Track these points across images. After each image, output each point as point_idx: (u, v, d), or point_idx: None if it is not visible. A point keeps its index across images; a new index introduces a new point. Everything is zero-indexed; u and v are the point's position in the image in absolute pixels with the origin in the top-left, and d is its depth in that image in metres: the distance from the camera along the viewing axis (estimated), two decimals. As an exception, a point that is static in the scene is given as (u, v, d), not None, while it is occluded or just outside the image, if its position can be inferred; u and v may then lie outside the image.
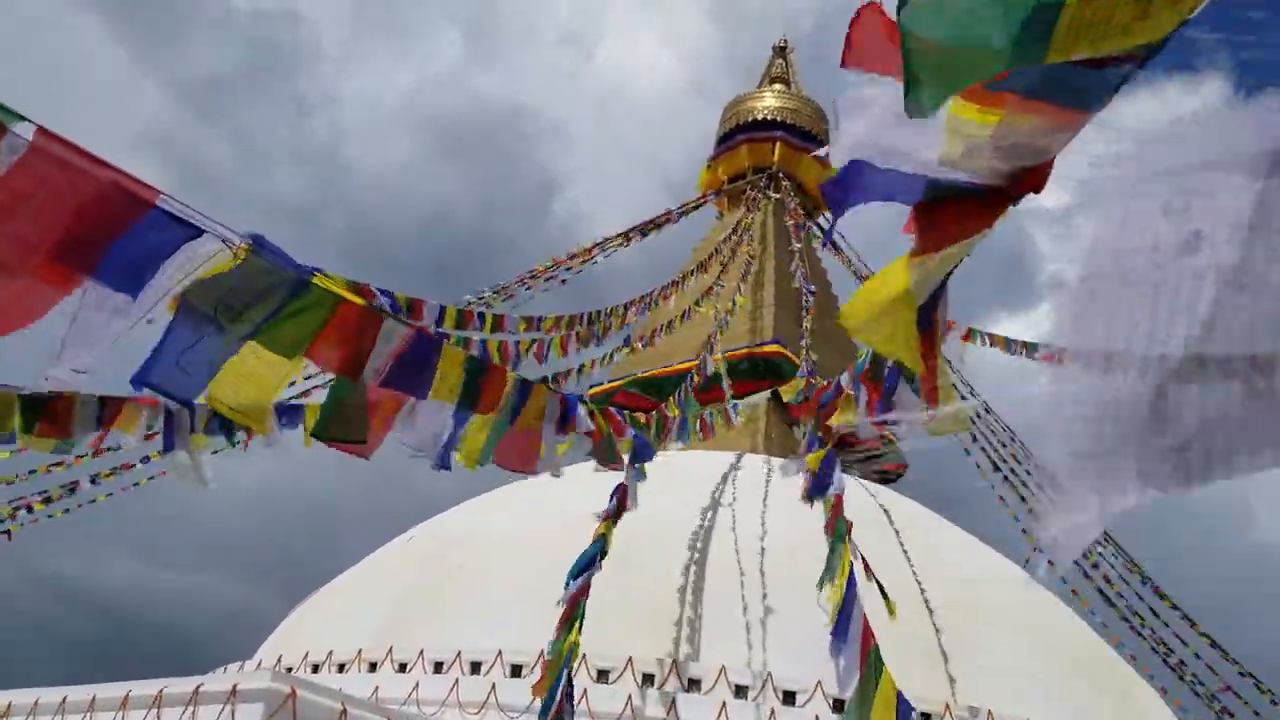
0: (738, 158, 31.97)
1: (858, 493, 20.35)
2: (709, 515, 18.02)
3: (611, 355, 22.47)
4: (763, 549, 16.96)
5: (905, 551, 17.77)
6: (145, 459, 15.84)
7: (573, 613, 10.04)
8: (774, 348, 25.93)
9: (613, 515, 11.00)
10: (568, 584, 10.26)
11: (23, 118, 3.80)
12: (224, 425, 7.83)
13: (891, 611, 14.10)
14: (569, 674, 9.79)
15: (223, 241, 4.38)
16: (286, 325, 4.77)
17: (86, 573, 56.81)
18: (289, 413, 8.35)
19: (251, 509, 59.10)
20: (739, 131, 32.24)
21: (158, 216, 4.16)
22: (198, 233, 4.32)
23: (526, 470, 6.90)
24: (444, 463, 6.60)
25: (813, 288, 26.13)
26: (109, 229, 4.07)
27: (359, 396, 5.43)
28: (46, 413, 7.20)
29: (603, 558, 10.46)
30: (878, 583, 13.87)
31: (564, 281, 24.44)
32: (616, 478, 11.64)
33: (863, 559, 14.21)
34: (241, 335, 4.72)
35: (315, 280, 4.80)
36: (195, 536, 58.45)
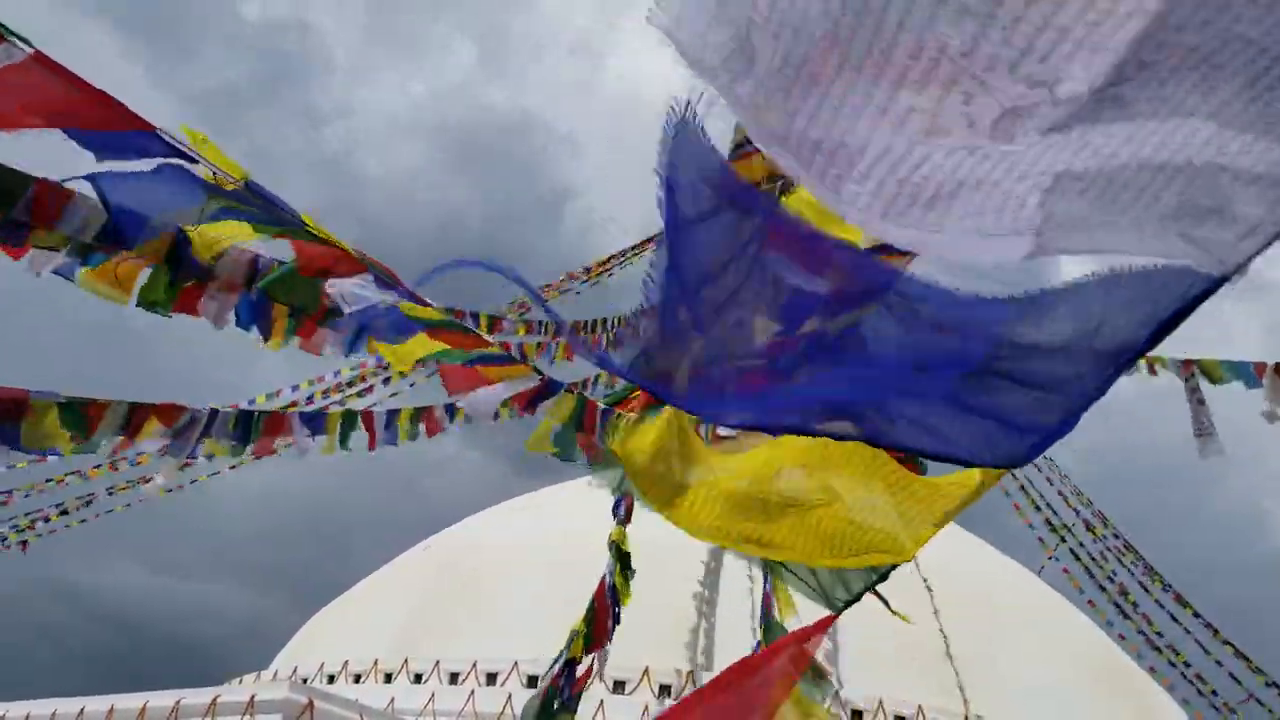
0: (752, 166, 31.95)
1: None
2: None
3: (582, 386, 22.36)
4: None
5: (916, 559, 17.68)
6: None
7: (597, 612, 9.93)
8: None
9: (622, 522, 10.95)
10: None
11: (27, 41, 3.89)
12: (240, 434, 7.83)
13: (905, 619, 14.04)
14: (567, 657, 9.71)
15: (214, 174, 4.37)
16: (272, 225, 4.75)
17: (99, 582, 57.02)
18: (311, 421, 8.36)
19: (262, 519, 59.28)
20: (750, 141, 32.24)
21: (153, 136, 4.15)
22: (192, 161, 4.31)
23: (467, 381, 6.68)
24: (353, 348, 6.36)
25: None
26: (102, 123, 4.06)
27: (313, 291, 5.33)
28: (80, 418, 7.21)
29: (623, 566, 10.38)
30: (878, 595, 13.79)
31: (578, 294, 24.42)
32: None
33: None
34: (212, 212, 4.64)
35: (309, 226, 4.79)
36: (206, 546, 58.65)
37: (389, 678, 15.80)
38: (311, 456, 8.33)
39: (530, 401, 7.17)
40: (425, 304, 5.50)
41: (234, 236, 4.81)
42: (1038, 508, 21.37)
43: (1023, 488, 21.93)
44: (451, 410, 9.25)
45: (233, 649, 58.54)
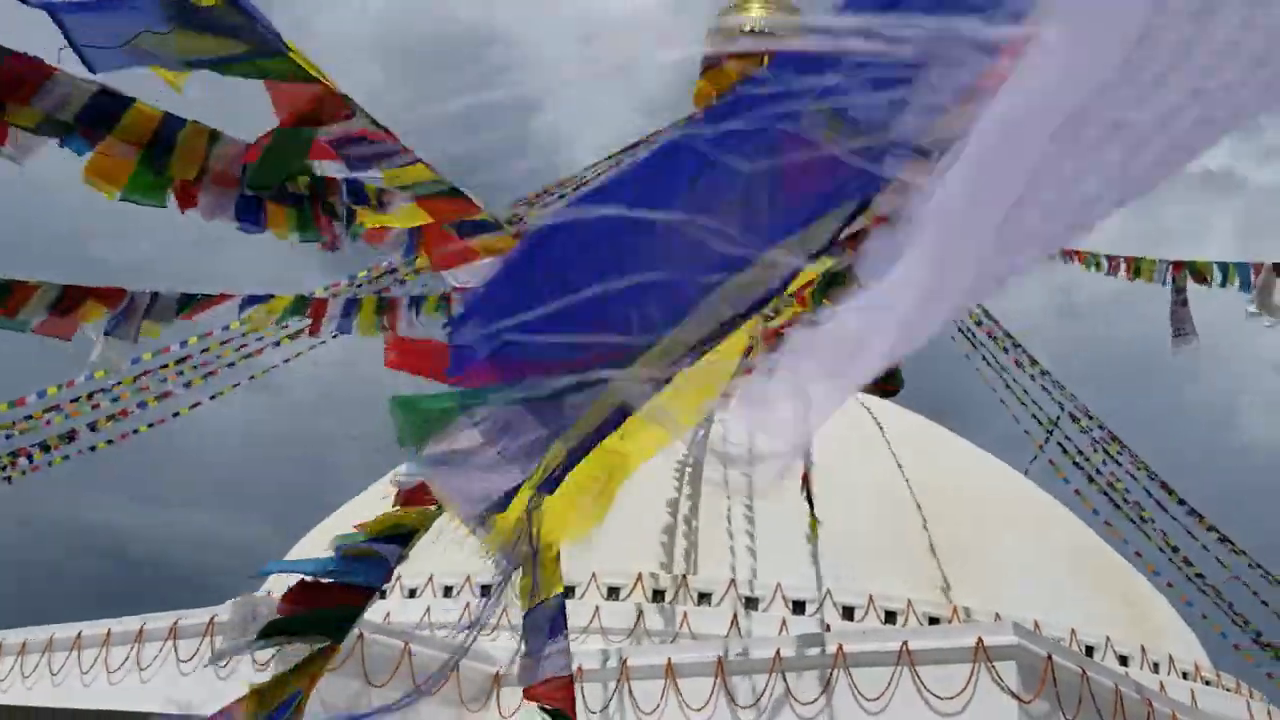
0: (725, 75, 31.54)
1: (851, 404, 20.42)
2: (698, 429, 18.01)
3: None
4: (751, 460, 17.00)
5: (899, 461, 17.85)
6: (141, 404, 15.84)
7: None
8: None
9: None
10: None
11: None
12: (178, 311, 7.72)
13: (813, 529, 14.20)
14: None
15: None
16: (248, 68, 4.54)
17: (87, 517, 57.08)
18: (252, 303, 8.28)
19: (244, 447, 59.23)
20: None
21: None
22: None
23: (457, 258, 6.59)
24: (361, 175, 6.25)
25: None
26: None
27: (297, 149, 5.17)
28: (4, 296, 7.04)
29: None
30: (808, 496, 13.92)
31: (548, 207, 24.27)
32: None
33: (805, 478, 14.25)
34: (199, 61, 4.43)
35: (292, 52, 4.58)
36: (191, 477, 58.66)
37: (383, 594, 15.87)
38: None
39: None
40: (417, 160, 5.35)
41: (209, 50, 4.51)
42: (1023, 403, 21.58)
43: (1008, 386, 22.11)
44: (418, 303, 9.14)
45: (225, 574, 58.87)
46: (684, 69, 34.41)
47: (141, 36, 4.34)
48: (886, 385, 26.79)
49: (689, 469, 16.93)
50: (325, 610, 5.15)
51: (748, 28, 31.42)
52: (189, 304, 7.67)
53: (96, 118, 4.76)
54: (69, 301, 7.17)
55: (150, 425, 16.86)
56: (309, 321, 9.28)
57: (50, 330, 7.31)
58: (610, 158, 27.30)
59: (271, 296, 8.57)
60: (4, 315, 7.06)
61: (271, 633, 5.15)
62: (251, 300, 8.28)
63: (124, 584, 53.81)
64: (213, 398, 17.23)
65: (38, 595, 48.32)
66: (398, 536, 5.53)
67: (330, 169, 5.19)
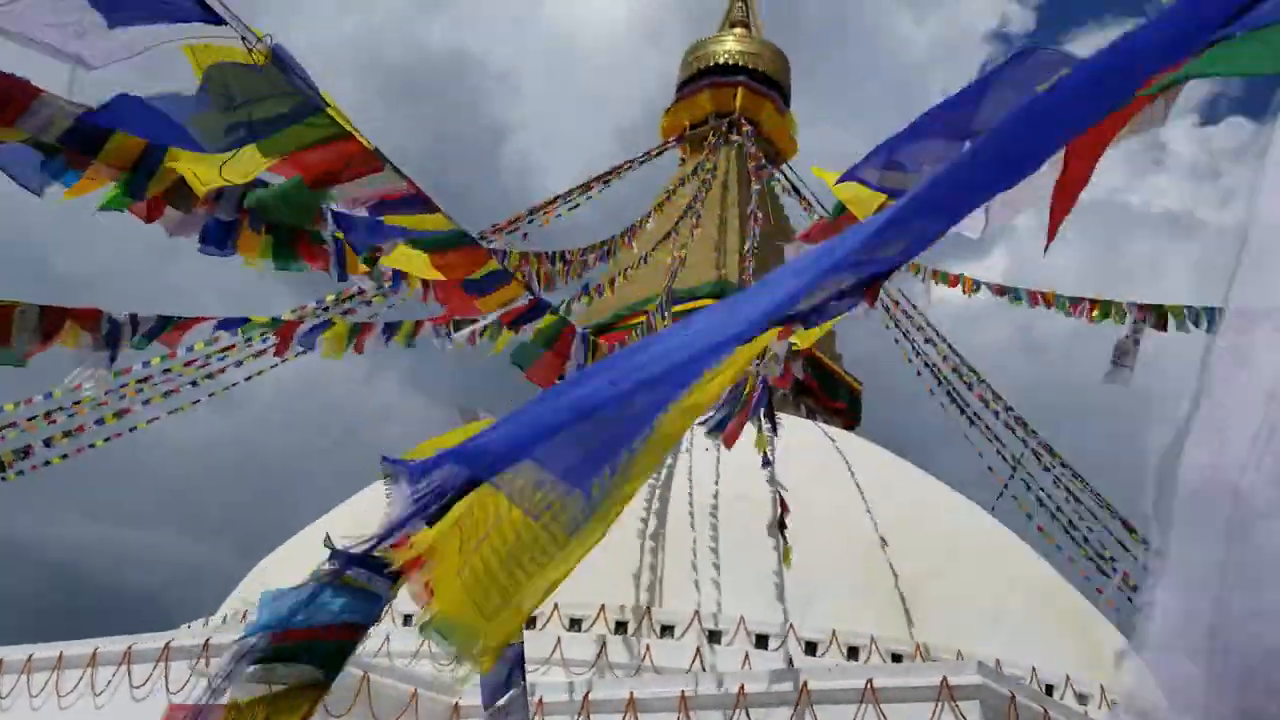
0: (699, 103, 31.66)
1: (816, 437, 20.46)
2: (667, 463, 17.99)
3: (569, 304, 22.28)
4: (716, 494, 16.99)
5: (864, 495, 17.89)
6: (99, 421, 15.59)
7: None
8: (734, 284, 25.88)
9: None
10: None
11: None
12: (153, 335, 7.65)
13: (787, 558, 14.26)
14: None
15: (242, 39, 4.13)
16: (290, 140, 4.61)
17: (35, 532, 56.06)
18: (230, 325, 8.22)
19: (201, 467, 58.44)
20: (700, 76, 31.90)
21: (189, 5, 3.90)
22: (216, 21, 4.07)
23: (461, 311, 6.67)
24: (360, 246, 6.27)
25: (759, 231, 26.04)
26: None
27: (310, 204, 5.24)
28: None
29: None
30: (780, 528, 13.98)
31: (525, 235, 24.27)
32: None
33: (780, 505, 14.31)
34: (239, 135, 4.48)
35: (330, 109, 4.61)
36: (143, 494, 57.85)
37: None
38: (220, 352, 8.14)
39: (517, 320, 7.10)
40: (435, 209, 5.38)
41: (243, 172, 4.62)
42: (988, 439, 21.70)
43: (971, 422, 22.24)
44: (392, 329, 9.11)
45: (173, 596, 57.91)
46: (657, 97, 34.56)
47: (190, 120, 4.41)
48: (845, 413, 26.91)
49: (655, 501, 16.87)
50: (321, 643, 5.07)
51: (722, 59, 31.66)
52: (167, 326, 7.59)
53: (81, 140, 4.72)
54: (49, 324, 7.07)
55: (107, 440, 16.60)
56: (275, 341, 9.20)
57: (31, 353, 7.23)
58: (583, 187, 27.33)
59: (247, 320, 8.49)
60: None
61: (263, 661, 5.04)
62: (227, 323, 8.21)
63: (73, 603, 52.86)
64: (171, 413, 16.99)
65: (-16, 614, 47.36)
66: (391, 573, 5.45)
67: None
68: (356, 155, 4.86)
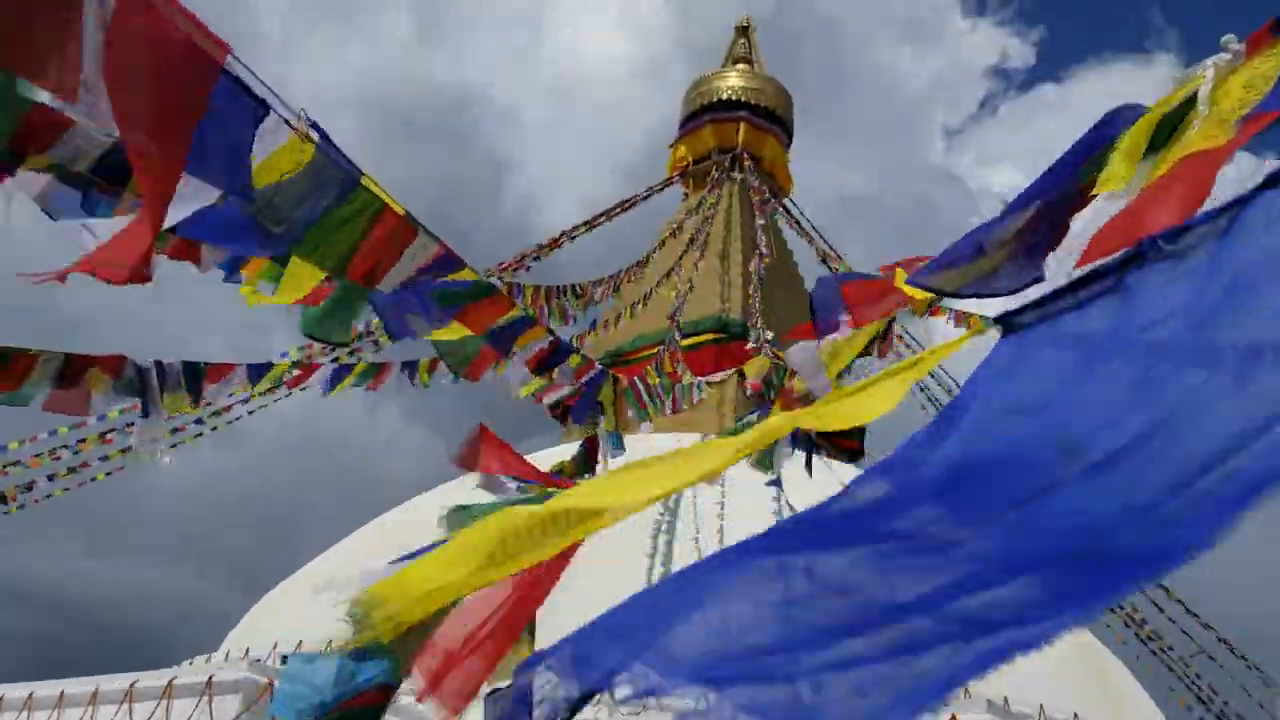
0: (702, 139, 31.84)
1: (821, 475, 20.36)
2: (673, 498, 17.94)
3: (578, 339, 22.32)
4: (721, 530, 16.91)
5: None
6: (103, 458, 15.55)
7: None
8: (739, 321, 25.90)
9: (580, 464, 10.86)
10: None
11: None
12: (191, 385, 7.63)
13: None
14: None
15: (289, 125, 4.11)
16: (332, 235, 4.61)
17: (31, 566, 55.86)
18: (258, 372, 8.21)
19: (201, 502, 58.33)
20: (703, 112, 32.09)
21: (227, 88, 3.85)
22: (264, 110, 4.05)
23: (487, 361, 6.71)
24: (402, 333, 6.34)
25: (764, 266, 26.09)
26: (192, 102, 3.75)
27: (360, 301, 5.29)
28: (4, 367, 6.91)
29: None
30: None
31: (529, 269, 24.37)
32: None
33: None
34: (284, 239, 4.49)
35: (364, 181, 4.62)
36: (144, 530, 57.67)
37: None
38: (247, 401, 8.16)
39: (541, 364, 7.12)
40: (463, 265, 5.43)
41: (297, 289, 4.69)
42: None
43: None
44: (412, 369, 9.15)
45: (173, 633, 57.69)
46: (658, 132, 34.77)
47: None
48: (850, 444, 26.76)
49: (661, 533, 16.79)
50: (357, 710, 5.10)
51: (725, 94, 31.85)
52: (195, 374, 7.58)
53: (111, 171, 4.73)
54: (73, 372, 7.05)
55: (108, 474, 16.54)
56: (300, 387, 9.18)
57: (60, 406, 7.21)
58: (588, 224, 27.42)
59: (272, 365, 8.53)
60: (6, 390, 6.93)
61: None
62: (255, 370, 8.22)
63: (73, 639, 52.58)
64: (173, 446, 16.93)
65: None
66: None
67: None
68: (394, 228, 4.89)
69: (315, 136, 4.28)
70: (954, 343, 2.99)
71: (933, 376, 24.03)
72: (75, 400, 7.22)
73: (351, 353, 16.99)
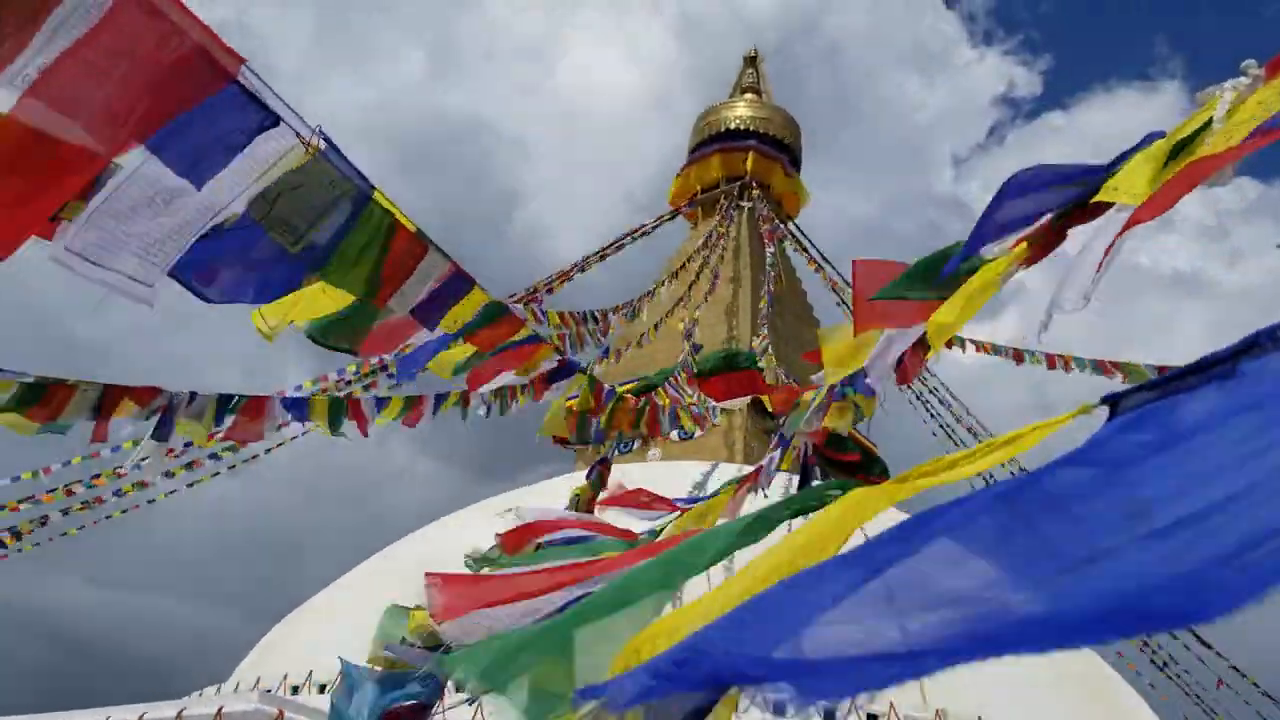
0: (710, 168, 32.00)
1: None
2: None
3: (590, 368, 22.34)
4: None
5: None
6: (117, 492, 15.58)
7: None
8: (750, 354, 25.89)
9: (593, 485, 10.86)
10: None
11: None
12: (218, 413, 7.66)
13: None
14: None
15: (297, 135, 4.12)
16: (353, 258, 4.62)
17: (42, 598, 55.90)
18: (295, 406, 8.22)
19: (211, 534, 58.41)
20: (711, 141, 32.26)
21: (234, 95, 3.84)
22: (273, 121, 4.02)
23: (487, 378, 6.68)
24: (409, 375, 6.38)
25: (771, 295, 26.16)
26: (184, 98, 3.74)
27: (372, 317, 5.29)
28: (42, 397, 6.98)
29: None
30: None
31: (541, 300, 24.50)
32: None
33: None
34: (305, 263, 4.49)
35: (376, 196, 4.63)
36: (153, 561, 57.70)
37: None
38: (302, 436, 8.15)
39: (546, 380, 7.14)
40: (473, 284, 5.44)
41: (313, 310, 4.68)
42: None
43: (986, 484, 22.09)
44: (440, 400, 9.18)
45: (186, 665, 57.62)
46: (667, 162, 34.96)
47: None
48: (870, 478, 26.77)
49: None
50: None
51: (733, 124, 32.02)
52: (229, 406, 7.61)
53: None
54: (108, 403, 7.12)
55: (124, 511, 16.56)
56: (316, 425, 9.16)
57: (95, 436, 7.28)
58: (599, 254, 27.56)
59: (310, 400, 8.55)
60: (46, 420, 6.99)
61: None
62: (292, 404, 8.24)
63: (82, 670, 52.53)
64: (190, 485, 16.97)
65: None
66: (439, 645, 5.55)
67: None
68: (405, 244, 4.91)
69: (322, 145, 4.31)
70: (1056, 421, 2.89)
71: (948, 406, 23.97)
72: (108, 429, 7.30)
73: (365, 386, 17.03)
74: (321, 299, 5.11)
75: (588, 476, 10.76)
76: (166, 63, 3.65)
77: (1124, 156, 3.87)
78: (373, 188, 4.64)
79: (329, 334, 5.42)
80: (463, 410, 9.28)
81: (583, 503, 10.62)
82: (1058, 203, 4.00)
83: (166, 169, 3.87)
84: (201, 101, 3.78)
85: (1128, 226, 3.62)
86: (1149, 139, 3.85)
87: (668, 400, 17.14)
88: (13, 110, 3.49)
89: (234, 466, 16.53)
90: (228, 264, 4.49)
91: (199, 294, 4.50)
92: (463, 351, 6.18)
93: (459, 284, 5.41)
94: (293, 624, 19.78)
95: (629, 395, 11.68)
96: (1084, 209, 3.96)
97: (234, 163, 4.01)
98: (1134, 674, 19.16)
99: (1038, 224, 4.06)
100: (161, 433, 7.31)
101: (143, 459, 7.46)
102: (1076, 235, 4.10)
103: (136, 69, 3.60)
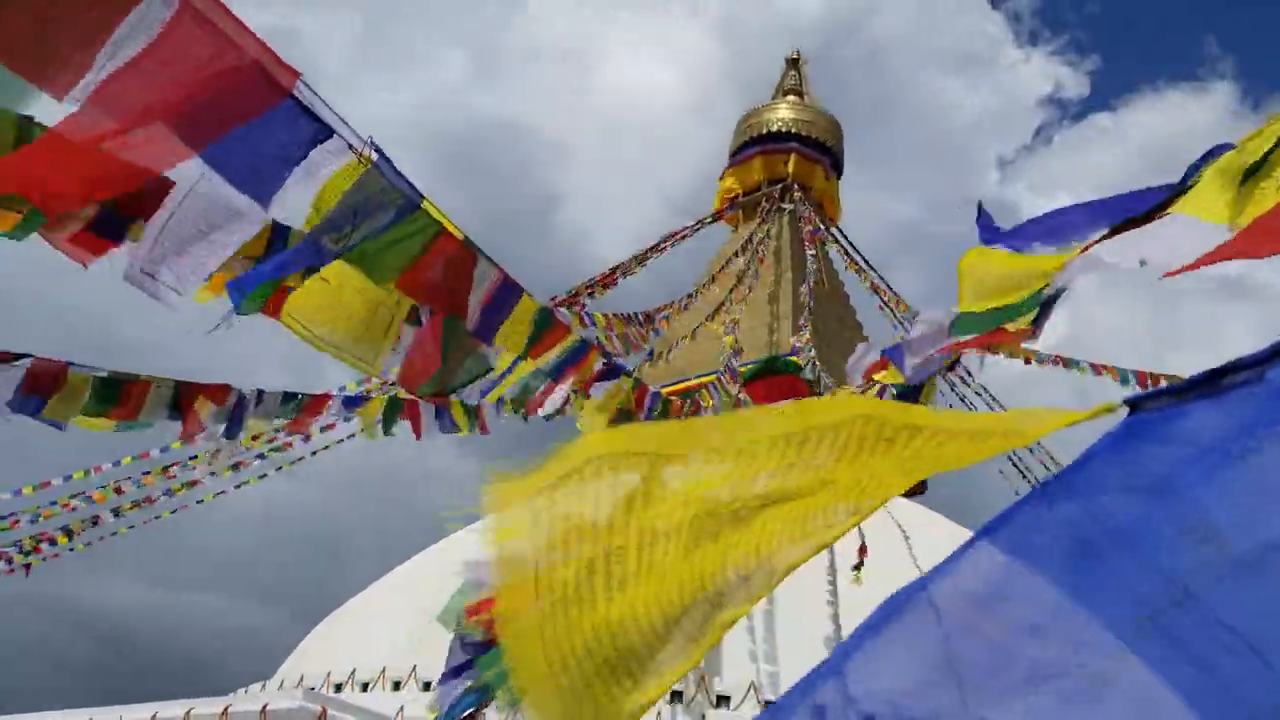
0: (751, 171, 31.91)
1: (878, 515, 20.18)
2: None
3: (638, 370, 22.40)
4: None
5: (917, 564, 17.64)
6: (168, 492, 15.77)
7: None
8: (791, 360, 25.83)
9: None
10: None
11: None
12: (284, 411, 7.81)
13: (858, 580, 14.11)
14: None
15: (350, 147, 4.16)
16: (386, 250, 4.65)
17: (93, 597, 56.70)
18: (350, 404, 8.33)
19: (258, 532, 58.99)
20: (753, 144, 32.16)
21: (290, 109, 3.89)
22: (327, 134, 4.08)
23: (547, 394, 6.75)
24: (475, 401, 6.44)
25: (812, 298, 26.06)
26: (241, 112, 3.79)
27: (464, 339, 5.29)
28: (119, 395, 7.12)
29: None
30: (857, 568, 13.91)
31: (584, 306, 24.54)
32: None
33: (860, 548, 14.24)
34: (333, 253, 4.53)
35: (425, 205, 4.68)
36: (202, 560, 58.33)
37: (397, 685, 15.67)
38: (359, 435, 8.28)
39: (592, 383, 7.20)
40: (523, 293, 5.48)
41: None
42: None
43: (1033, 486, 21.89)
44: (499, 406, 9.26)
45: (231, 661, 58.25)
46: (707, 165, 34.95)
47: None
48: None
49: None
50: None
51: (775, 126, 31.94)
52: (291, 403, 7.75)
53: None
54: (184, 400, 7.26)
55: (173, 512, 16.77)
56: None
57: (184, 434, 7.44)
58: (639, 257, 27.56)
59: (367, 399, 8.67)
60: (124, 417, 7.13)
61: None
62: (350, 402, 8.37)
63: (129, 667, 53.25)
64: (238, 487, 17.17)
65: (35, 677, 47.75)
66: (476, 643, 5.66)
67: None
68: (454, 253, 4.93)
69: (374, 157, 4.36)
70: (1073, 415, 2.75)
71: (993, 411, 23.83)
72: (188, 426, 7.44)
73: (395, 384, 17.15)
74: (366, 297, 5.10)
75: None
76: (224, 78, 3.69)
77: (1194, 169, 3.78)
78: (421, 197, 4.68)
79: (450, 378, 5.40)
80: (524, 415, 9.35)
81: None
82: (1125, 215, 3.94)
83: (227, 184, 3.92)
84: (259, 116, 3.82)
85: (1225, 257, 3.54)
86: (1217, 151, 3.76)
87: (710, 402, 17.14)
88: (80, 125, 3.55)
89: (281, 468, 16.70)
90: (282, 273, 4.54)
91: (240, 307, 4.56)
92: (518, 372, 6.22)
93: (508, 293, 5.42)
94: (336, 623, 19.96)
95: (674, 398, 11.69)
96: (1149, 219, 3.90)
97: (291, 176, 4.05)
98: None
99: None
100: (232, 430, 7.45)
101: (213, 455, 7.63)
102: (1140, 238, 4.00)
103: (195, 85, 3.64)
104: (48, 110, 3.61)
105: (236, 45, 3.72)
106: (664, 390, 25.27)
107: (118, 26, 3.45)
